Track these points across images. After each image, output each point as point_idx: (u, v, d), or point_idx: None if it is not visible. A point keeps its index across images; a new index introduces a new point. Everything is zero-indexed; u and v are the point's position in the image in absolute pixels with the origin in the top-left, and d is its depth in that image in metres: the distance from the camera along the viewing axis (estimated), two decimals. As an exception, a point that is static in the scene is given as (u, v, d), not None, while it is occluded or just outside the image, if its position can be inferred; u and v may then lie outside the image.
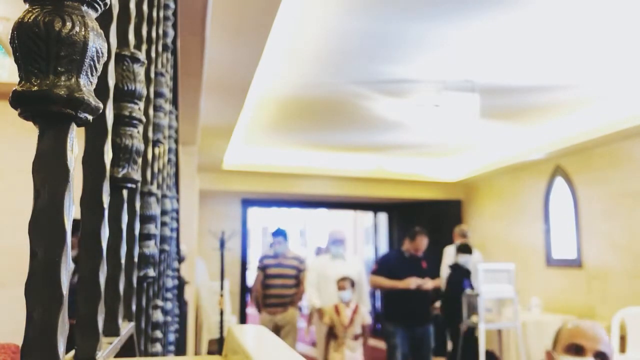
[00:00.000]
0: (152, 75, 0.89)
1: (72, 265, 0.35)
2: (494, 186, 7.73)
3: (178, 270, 2.32)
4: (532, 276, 6.64)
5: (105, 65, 0.49)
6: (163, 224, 1.20)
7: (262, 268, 5.30)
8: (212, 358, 0.65)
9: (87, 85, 0.35)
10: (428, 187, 8.25)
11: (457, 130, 5.86)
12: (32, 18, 0.32)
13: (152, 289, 0.96)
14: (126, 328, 0.62)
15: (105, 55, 0.36)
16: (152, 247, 0.87)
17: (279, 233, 5.37)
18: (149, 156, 0.85)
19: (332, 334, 4.43)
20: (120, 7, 0.60)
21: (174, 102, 1.69)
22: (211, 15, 2.56)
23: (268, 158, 7.21)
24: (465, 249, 5.77)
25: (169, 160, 1.41)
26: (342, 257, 5.08)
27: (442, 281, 5.48)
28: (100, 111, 0.36)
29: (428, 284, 4.65)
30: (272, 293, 5.15)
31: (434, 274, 4.94)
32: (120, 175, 0.60)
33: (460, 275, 5.58)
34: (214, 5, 2.46)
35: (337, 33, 3.45)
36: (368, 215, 10.76)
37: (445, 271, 5.89)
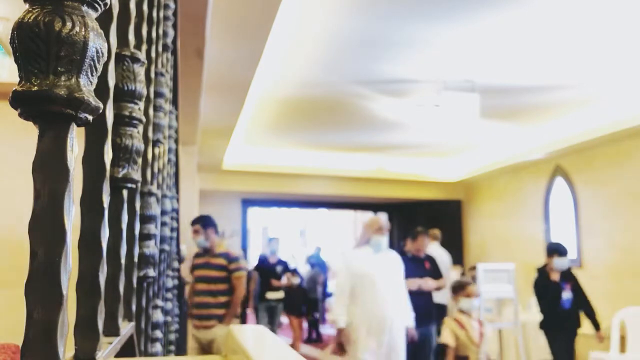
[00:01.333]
0: (152, 75, 0.89)
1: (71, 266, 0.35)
2: (494, 186, 7.72)
3: (178, 270, 2.32)
4: (532, 276, 6.62)
5: (105, 65, 0.49)
6: (163, 224, 1.20)
7: (191, 269, 4.11)
8: (212, 358, 0.65)
9: (87, 85, 0.34)
10: (428, 187, 8.25)
11: (457, 130, 5.86)
12: (32, 18, 0.32)
13: (152, 289, 0.96)
14: (126, 328, 0.62)
15: (105, 55, 0.36)
16: (152, 247, 0.87)
17: (196, 221, 4.07)
18: (149, 156, 0.85)
19: (458, 357, 3.41)
20: (120, 7, 0.60)
21: (174, 102, 1.69)
22: (211, 15, 2.56)
23: (268, 158, 7.21)
24: (560, 249, 4.33)
25: (169, 160, 1.41)
26: (384, 251, 3.94)
27: (445, 281, 5.30)
28: (100, 111, 0.36)
29: (429, 283, 4.64)
30: (196, 301, 3.90)
31: (437, 274, 4.93)
32: (120, 175, 0.59)
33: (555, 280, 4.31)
34: (214, 5, 2.46)
35: (337, 33, 3.44)
36: (368, 215, 10.76)
37: (444, 268, 5.79)
